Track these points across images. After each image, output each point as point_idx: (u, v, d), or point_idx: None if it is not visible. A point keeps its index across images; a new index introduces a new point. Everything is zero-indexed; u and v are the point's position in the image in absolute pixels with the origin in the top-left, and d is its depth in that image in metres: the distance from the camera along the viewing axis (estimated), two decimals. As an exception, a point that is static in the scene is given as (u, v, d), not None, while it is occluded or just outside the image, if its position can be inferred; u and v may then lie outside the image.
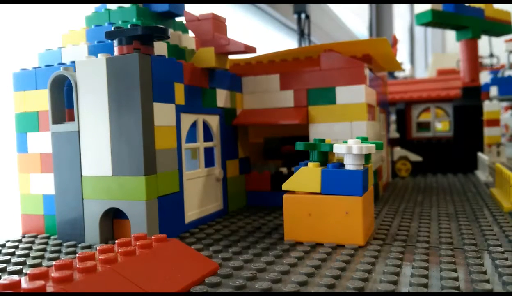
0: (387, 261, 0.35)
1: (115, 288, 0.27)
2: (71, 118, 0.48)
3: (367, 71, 0.63)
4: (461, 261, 0.35)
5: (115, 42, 0.45)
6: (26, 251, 0.42)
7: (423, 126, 1.16)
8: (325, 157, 0.45)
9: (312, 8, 1.55)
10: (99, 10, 0.55)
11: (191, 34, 0.59)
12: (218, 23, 0.54)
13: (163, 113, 0.46)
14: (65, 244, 0.45)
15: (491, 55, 1.65)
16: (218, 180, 0.58)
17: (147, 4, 0.54)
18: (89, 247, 0.44)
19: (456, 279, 0.31)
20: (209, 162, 0.57)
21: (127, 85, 0.43)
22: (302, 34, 1.43)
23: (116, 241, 0.33)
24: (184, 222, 0.50)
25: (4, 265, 0.37)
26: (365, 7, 3.26)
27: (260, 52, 0.59)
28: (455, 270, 0.32)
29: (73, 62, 0.48)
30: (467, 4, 1.09)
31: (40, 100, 0.50)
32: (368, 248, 0.39)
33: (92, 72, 0.45)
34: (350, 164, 0.42)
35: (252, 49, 0.55)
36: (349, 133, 0.60)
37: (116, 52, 0.45)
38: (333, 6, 2.36)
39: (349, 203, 0.41)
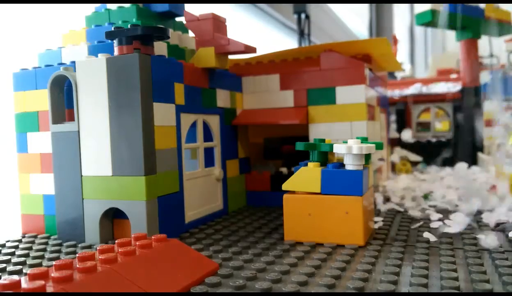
0: (387, 261, 0.35)
1: (115, 288, 0.27)
2: (71, 118, 0.48)
3: (367, 71, 0.63)
4: (461, 261, 0.35)
5: (115, 42, 0.45)
6: (26, 251, 0.42)
7: (423, 126, 1.16)
8: (325, 157, 0.45)
9: (312, 8, 1.55)
10: (99, 10, 0.55)
11: (191, 34, 0.59)
12: (218, 23, 0.54)
13: (163, 113, 0.46)
14: (65, 244, 0.45)
15: (491, 55, 1.65)
16: (218, 180, 0.58)
17: (147, 4, 0.54)
18: (89, 247, 0.44)
19: (456, 279, 0.31)
20: (209, 162, 0.57)
21: (127, 85, 0.43)
22: (302, 34, 1.43)
23: (116, 241, 0.33)
24: (184, 222, 0.50)
25: (4, 265, 0.37)
26: (365, 7, 3.25)
27: (260, 52, 0.59)
28: (455, 270, 0.32)
29: (73, 62, 0.48)
30: (467, 4, 1.09)
31: (40, 100, 0.50)
32: (368, 248, 0.39)
33: (92, 72, 0.45)
34: (350, 164, 0.42)
35: (252, 49, 0.55)
36: (349, 133, 0.60)
37: (116, 52, 0.45)
38: (333, 6, 2.36)
39: (349, 203, 0.41)
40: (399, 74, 1.52)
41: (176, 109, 0.49)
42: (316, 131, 0.62)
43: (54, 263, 0.28)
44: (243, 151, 0.65)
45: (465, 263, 0.35)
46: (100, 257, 0.29)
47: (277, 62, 0.66)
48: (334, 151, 0.42)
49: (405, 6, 4.11)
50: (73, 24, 0.57)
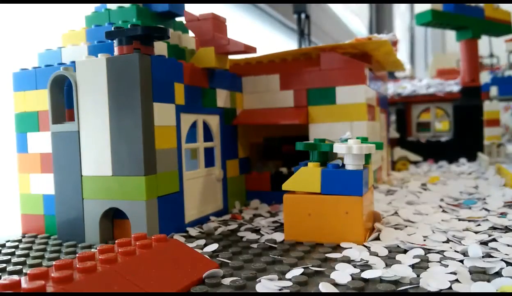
0: (387, 261, 0.35)
1: (115, 288, 0.27)
2: (71, 118, 0.48)
3: (367, 71, 0.63)
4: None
5: (115, 42, 0.45)
6: (26, 251, 0.42)
7: (423, 127, 1.16)
8: (325, 157, 0.45)
9: (312, 8, 1.55)
10: (99, 10, 0.55)
11: (191, 34, 0.59)
12: (218, 23, 0.54)
13: (163, 113, 0.46)
14: (65, 244, 0.45)
15: (491, 55, 1.65)
16: (218, 180, 0.58)
17: (147, 4, 0.54)
18: (89, 247, 0.44)
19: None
20: (209, 162, 0.57)
21: (127, 85, 0.43)
22: (302, 34, 1.43)
23: (116, 241, 0.33)
24: (184, 222, 0.50)
25: (4, 265, 0.37)
26: (365, 7, 3.25)
27: (260, 52, 0.59)
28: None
29: (73, 62, 0.48)
30: (467, 4, 1.09)
31: (40, 100, 0.50)
32: (368, 248, 0.39)
33: (92, 72, 0.45)
34: (350, 164, 0.42)
35: (252, 49, 0.55)
36: (349, 134, 0.60)
37: (116, 52, 0.45)
38: (333, 6, 2.36)
39: (349, 203, 0.41)
40: (400, 74, 1.52)
41: (176, 109, 0.49)
42: (316, 131, 0.62)
43: (54, 263, 0.28)
44: (243, 151, 0.65)
45: (465, 263, 0.34)
46: (100, 257, 0.29)
47: (277, 62, 0.66)
48: (334, 151, 0.42)
49: (405, 6, 4.11)
50: (73, 24, 0.57)
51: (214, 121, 0.58)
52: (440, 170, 0.95)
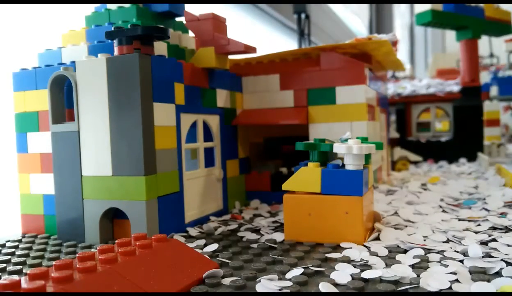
0: (387, 261, 0.35)
1: (115, 288, 0.27)
2: (71, 118, 0.48)
3: (367, 71, 0.63)
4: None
5: (115, 42, 0.45)
6: (26, 251, 0.42)
7: (423, 127, 1.16)
8: (325, 157, 0.45)
9: (312, 8, 1.55)
10: (99, 10, 0.55)
11: (191, 34, 0.59)
12: (218, 23, 0.54)
13: (163, 113, 0.46)
14: (65, 244, 0.45)
15: (491, 55, 1.66)
16: (218, 180, 0.58)
17: (147, 4, 0.54)
18: (89, 247, 0.44)
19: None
20: (209, 162, 0.57)
21: (127, 85, 0.43)
22: (302, 34, 1.43)
23: (116, 241, 0.33)
24: (184, 222, 0.50)
25: (4, 265, 0.37)
26: (365, 7, 3.25)
27: (260, 52, 0.59)
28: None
29: (73, 62, 0.48)
30: (467, 4, 1.09)
31: (40, 100, 0.50)
32: (368, 248, 0.39)
33: (92, 72, 0.45)
34: (350, 164, 0.42)
35: (252, 49, 0.55)
36: (349, 134, 0.60)
37: (116, 52, 0.45)
38: (333, 6, 2.36)
39: (349, 203, 0.41)
40: (399, 74, 1.52)
41: (176, 109, 0.49)
42: (316, 131, 0.62)
43: (54, 263, 0.28)
44: (243, 151, 0.65)
45: (465, 263, 0.34)
46: (100, 257, 0.29)
47: (277, 62, 0.66)
48: (334, 151, 0.42)
49: (405, 6, 4.11)
50: (73, 24, 0.57)
51: (214, 121, 0.58)
52: (440, 170, 0.95)
